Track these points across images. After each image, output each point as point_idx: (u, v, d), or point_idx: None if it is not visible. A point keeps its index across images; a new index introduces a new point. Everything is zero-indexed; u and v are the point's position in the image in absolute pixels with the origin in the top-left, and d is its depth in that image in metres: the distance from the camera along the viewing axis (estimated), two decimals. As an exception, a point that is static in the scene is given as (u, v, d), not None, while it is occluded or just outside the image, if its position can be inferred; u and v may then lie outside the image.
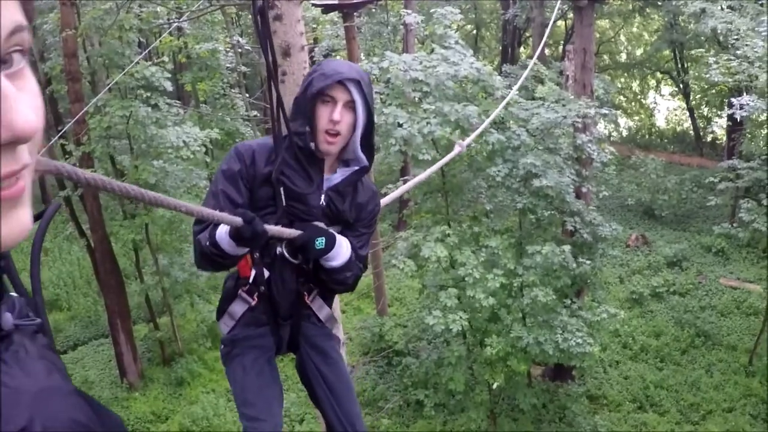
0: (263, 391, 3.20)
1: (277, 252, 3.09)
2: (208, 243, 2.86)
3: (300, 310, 3.30)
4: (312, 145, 2.98)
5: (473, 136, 7.40)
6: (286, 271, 3.16)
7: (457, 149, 5.62)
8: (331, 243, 2.96)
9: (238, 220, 2.52)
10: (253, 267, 3.17)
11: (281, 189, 3.01)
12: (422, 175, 5.44)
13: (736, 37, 20.33)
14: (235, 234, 2.66)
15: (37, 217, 1.70)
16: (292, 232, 2.87)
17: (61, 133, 17.73)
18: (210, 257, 2.92)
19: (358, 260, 3.22)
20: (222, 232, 2.81)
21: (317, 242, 2.91)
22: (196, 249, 3.00)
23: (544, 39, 19.81)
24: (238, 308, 3.25)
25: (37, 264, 1.52)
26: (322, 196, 3.09)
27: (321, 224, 3.03)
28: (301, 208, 3.05)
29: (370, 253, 3.31)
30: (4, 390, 0.90)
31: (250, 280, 3.20)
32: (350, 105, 2.96)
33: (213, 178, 3.12)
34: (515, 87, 10.78)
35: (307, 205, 3.06)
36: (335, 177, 3.15)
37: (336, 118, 2.92)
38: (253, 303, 3.22)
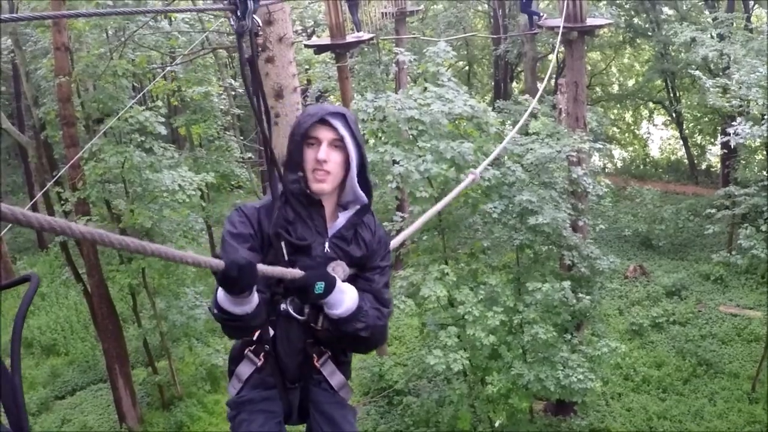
0: None
1: (281, 309, 2.98)
2: (216, 310, 2.74)
3: (309, 373, 3.13)
4: (306, 188, 2.94)
5: (485, 163, 7.33)
6: (291, 330, 3.03)
7: (470, 177, 5.54)
8: (330, 287, 2.82)
9: (218, 262, 2.34)
10: None
11: (282, 244, 2.92)
12: (440, 204, 5.34)
13: (728, 63, 20.52)
14: (222, 279, 2.42)
15: (7, 285, 1.63)
16: (295, 273, 2.75)
17: (55, 179, 17.74)
18: (228, 326, 2.80)
19: (381, 303, 3.07)
20: (221, 293, 2.66)
21: (317, 287, 2.78)
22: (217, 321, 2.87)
23: (546, 80, 19.80)
24: (245, 369, 3.11)
25: (18, 344, 1.46)
26: (326, 244, 3.02)
27: (328, 267, 2.93)
28: (305, 260, 2.94)
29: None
30: None
31: (255, 338, 3.08)
32: (337, 143, 2.92)
33: (221, 241, 3.00)
34: (516, 127, 10.79)
35: (310, 255, 2.97)
36: (338, 223, 3.08)
37: (321, 157, 2.89)
38: (260, 363, 3.08)
